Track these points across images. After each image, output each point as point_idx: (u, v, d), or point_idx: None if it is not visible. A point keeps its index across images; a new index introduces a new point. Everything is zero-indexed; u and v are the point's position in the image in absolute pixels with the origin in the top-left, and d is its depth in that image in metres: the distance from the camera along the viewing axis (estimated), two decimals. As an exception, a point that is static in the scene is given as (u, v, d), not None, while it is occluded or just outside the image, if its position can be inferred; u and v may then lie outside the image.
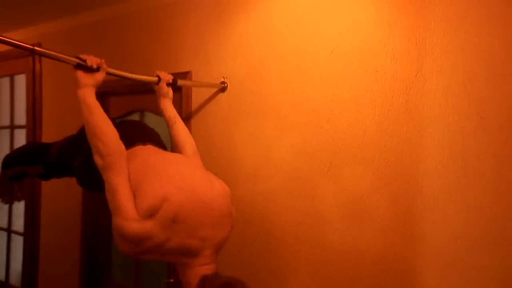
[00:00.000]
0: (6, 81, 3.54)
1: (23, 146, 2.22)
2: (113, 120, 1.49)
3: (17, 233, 3.44)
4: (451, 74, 1.51)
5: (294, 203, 1.89)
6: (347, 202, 1.74)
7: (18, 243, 3.41)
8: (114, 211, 1.29)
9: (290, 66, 1.90)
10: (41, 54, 1.40)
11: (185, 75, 2.26)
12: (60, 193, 3.01)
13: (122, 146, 1.40)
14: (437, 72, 1.54)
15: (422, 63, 1.57)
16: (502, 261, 1.41)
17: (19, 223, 3.40)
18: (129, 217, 1.26)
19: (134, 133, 1.67)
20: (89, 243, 2.85)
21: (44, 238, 3.16)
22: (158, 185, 1.32)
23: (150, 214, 1.26)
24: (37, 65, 3.15)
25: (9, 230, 3.54)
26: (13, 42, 1.30)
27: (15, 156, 2.02)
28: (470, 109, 1.47)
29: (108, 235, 2.84)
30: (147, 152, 1.54)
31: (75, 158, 1.68)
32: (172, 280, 2.33)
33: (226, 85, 2.12)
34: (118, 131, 1.47)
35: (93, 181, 1.54)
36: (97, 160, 1.37)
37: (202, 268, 1.33)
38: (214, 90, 2.16)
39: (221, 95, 2.15)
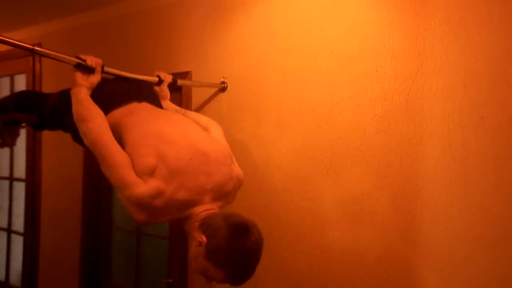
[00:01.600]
0: (6, 81, 3.54)
1: (19, 93, 2.16)
2: (108, 80, 1.52)
3: (17, 233, 3.43)
4: (451, 74, 1.51)
5: (294, 203, 1.89)
6: (347, 202, 1.73)
7: (18, 243, 3.41)
8: (117, 183, 1.31)
9: (290, 66, 1.90)
10: (41, 54, 1.40)
11: (185, 75, 2.26)
12: (60, 193, 3.01)
13: (104, 119, 1.41)
14: (437, 72, 1.54)
15: (422, 63, 1.57)
16: (502, 261, 1.41)
17: (19, 223, 3.40)
18: (133, 182, 1.28)
19: (130, 89, 1.67)
20: (89, 243, 2.85)
21: (44, 238, 3.16)
22: (153, 143, 1.35)
23: (150, 173, 1.28)
24: (37, 65, 3.15)
25: (9, 230, 3.54)
26: (13, 42, 1.30)
27: (9, 102, 1.97)
28: (470, 109, 1.47)
29: (108, 235, 2.85)
30: (142, 110, 1.55)
31: (68, 114, 1.68)
32: (172, 280, 2.33)
33: (226, 85, 2.12)
34: (114, 85, 1.53)
35: None
36: (85, 141, 1.39)
37: (204, 212, 1.37)
38: (214, 90, 2.16)
39: (221, 95, 2.15)
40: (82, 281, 2.85)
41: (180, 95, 2.27)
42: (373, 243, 1.67)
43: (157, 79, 1.75)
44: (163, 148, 1.34)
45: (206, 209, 1.37)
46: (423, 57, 1.56)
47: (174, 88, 1.85)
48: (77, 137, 1.71)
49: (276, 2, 1.96)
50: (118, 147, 1.35)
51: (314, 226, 1.82)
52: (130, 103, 1.56)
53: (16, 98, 2.00)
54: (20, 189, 3.40)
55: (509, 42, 1.41)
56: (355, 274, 1.71)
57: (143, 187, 1.27)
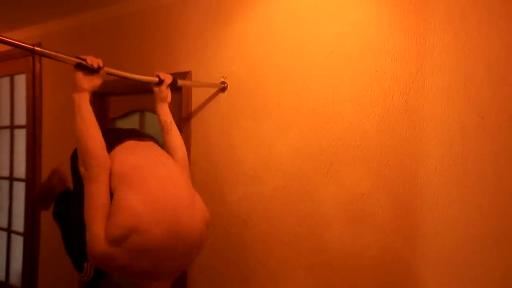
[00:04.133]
0: (6, 81, 3.54)
1: None
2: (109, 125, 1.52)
3: (17, 233, 3.43)
4: (451, 74, 1.51)
5: (293, 203, 1.89)
6: (347, 202, 1.74)
7: (18, 243, 3.41)
8: (87, 223, 1.31)
9: (290, 66, 1.90)
10: (41, 54, 1.40)
11: (185, 75, 2.26)
12: (60, 193, 3.01)
13: (107, 158, 1.40)
14: (437, 72, 1.54)
15: (422, 63, 1.57)
16: (502, 261, 1.41)
17: (19, 223, 3.40)
18: (97, 236, 1.28)
19: (125, 133, 1.68)
20: (89, 243, 2.84)
21: (44, 238, 3.16)
22: (133, 203, 1.31)
23: (117, 242, 1.27)
24: (37, 65, 3.15)
25: (9, 230, 3.54)
26: (13, 42, 1.30)
27: None
28: (470, 109, 1.47)
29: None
30: (136, 147, 1.55)
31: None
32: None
33: (226, 85, 2.12)
34: (110, 132, 1.50)
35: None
36: (81, 169, 1.38)
37: None
38: (214, 90, 2.16)
39: (221, 95, 2.15)
40: (82, 281, 2.84)
41: (180, 95, 2.27)
42: (373, 243, 1.67)
43: (157, 79, 1.74)
44: (141, 218, 1.29)
45: (161, 286, 1.41)
46: (423, 57, 1.56)
47: (174, 88, 1.85)
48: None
49: (276, 2, 1.96)
50: (107, 189, 1.34)
51: (314, 226, 1.82)
52: (127, 140, 1.56)
53: None
54: (20, 189, 3.40)
55: (509, 42, 1.41)
56: (355, 274, 1.71)
57: (101, 247, 1.27)
